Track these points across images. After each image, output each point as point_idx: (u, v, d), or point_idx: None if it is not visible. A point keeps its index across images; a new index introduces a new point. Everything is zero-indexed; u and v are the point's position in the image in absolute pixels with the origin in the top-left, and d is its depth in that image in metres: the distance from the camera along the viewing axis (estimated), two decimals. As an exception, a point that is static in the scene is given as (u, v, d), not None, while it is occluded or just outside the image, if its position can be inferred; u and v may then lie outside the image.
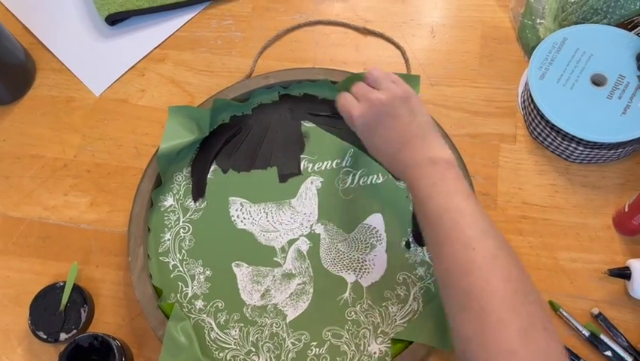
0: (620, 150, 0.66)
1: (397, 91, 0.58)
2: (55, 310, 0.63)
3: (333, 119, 0.72)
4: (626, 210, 0.63)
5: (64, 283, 0.64)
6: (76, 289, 0.64)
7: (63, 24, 0.82)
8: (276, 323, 0.63)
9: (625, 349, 0.60)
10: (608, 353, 0.60)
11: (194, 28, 0.81)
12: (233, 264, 0.66)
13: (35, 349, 0.64)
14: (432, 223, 0.52)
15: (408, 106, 0.58)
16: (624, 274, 0.61)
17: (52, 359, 0.63)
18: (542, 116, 0.67)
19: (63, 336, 0.62)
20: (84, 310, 0.64)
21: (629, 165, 0.69)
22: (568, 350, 0.60)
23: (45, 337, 0.62)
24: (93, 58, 0.80)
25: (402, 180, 0.59)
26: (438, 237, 0.52)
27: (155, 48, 0.80)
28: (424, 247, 0.65)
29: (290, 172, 0.70)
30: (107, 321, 0.65)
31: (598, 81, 0.68)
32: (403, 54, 0.77)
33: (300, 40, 0.79)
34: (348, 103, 0.60)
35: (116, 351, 0.59)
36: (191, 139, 0.70)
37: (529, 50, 0.75)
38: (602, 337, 0.60)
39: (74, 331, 0.63)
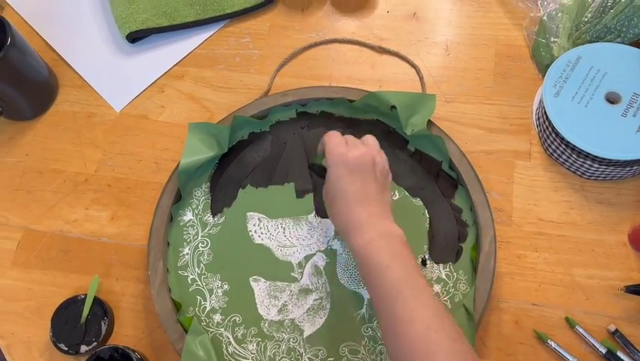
0: (635, 167, 0.67)
1: (382, 161, 0.61)
2: (76, 323, 0.64)
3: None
4: (642, 227, 0.63)
5: (85, 295, 0.65)
6: (97, 301, 0.65)
7: (85, 41, 0.84)
8: (293, 338, 0.64)
9: (642, 366, 0.60)
10: (626, 370, 0.60)
11: (212, 46, 0.82)
12: (250, 279, 0.67)
13: (56, 361, 0.65)
14: (388, 298, 0.52)
15: (384, 178, 0.60)
16: (641, 291, 0.61)
17: (73, 372, 0.64)
18: (557, 134, 0.68)
19: (84, 348, 0.63)
20: (104, 323, 0.65)
21: (644, 183, 0.69)
22: (585, 367, 0.60)
23: (66, 349, 0.63)
24: (114, 74, 0.82)
25: (344, 237, 0.58)
26: (396, 312, 0.51)
27: (175, 65, 0.81)
28: (440, 265, 0.66)
29: (307, 188, 0.71)
30: (127, 334, 0.66)
31: (612, 99, 0.69)
32: (418, 72, 0.78)
33: (317, 58, 0.81)
34: (337, 139, 0.61)
35: (136, 364, 0.60)
36: (210, 155, 0.71)
37: (543, 68, 0.76)
38: (619, 354, 0.60)
39: (95, 343, 0.64)
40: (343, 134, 0.72)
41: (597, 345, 0.61)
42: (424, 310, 0.51)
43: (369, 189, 0.58)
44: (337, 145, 0.60)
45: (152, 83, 0.80)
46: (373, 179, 0.59)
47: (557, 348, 0.61)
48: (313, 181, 0.71)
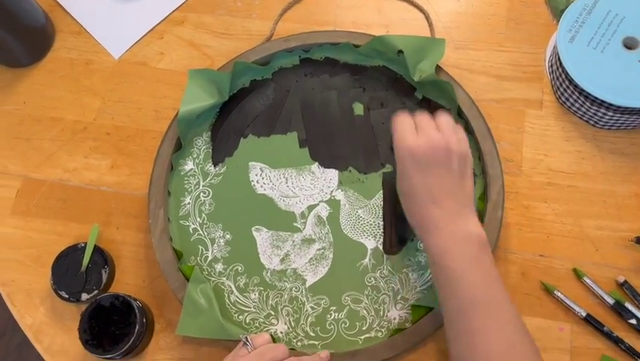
0: (651, 116, 0.64)
1: (460, 146, 0.53)
2: (76, 271, 0.64)
3: (353, 88, 0.71)
4: (656, 177, 0.61)
5: (86, 244, 0.64)
6: (97, 250, 0.65)
7: (81, -14, 0.81)
8: (296, 288, 0.63)
9: (650, 318, 0.59)
10: (633, 320, 0.59)
11: (213, -9, 0.79)
12: (253, 228, 0.66)
13: (58, 308, 0.65)
14: (463, 309, 0.49)
15: (461, 166, 0.53)
16: (652, 242, 0.59)
17: (74, 318, 0.63)
18: (571, 81, 0.65)
19: (84, 296, 0.63)
20: (105, 272, 0.64)
21: (659, 132, 0.67)
22: (591, 317, 0.59)
23: (67, 296, 0.63)
24: (112, 21, 0.79)
25: (421, 238, 0.54)
26: (469, 325, 0.49)
27: (174, 10, 0.79)
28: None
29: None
30: (128, 282, 0.66)
31: (630, 44, 0.66)
32: (427, 17, 0.75)
33: (321, 2, 0.77)
34: (405, 125, 0.54)
35: (137, 311, 0.59)
36: (211, 103, 0.69)
37: (558, 14, 0.72)
38: (627, 305, 0.59)
39: (96, 291, 0.63)
40: (351, 82, 0.70)
41: (605, 296, 0.60)
42: (501, 327, 0.48)
43: (444, 184, 0.53)
44: (404, 133, 0.53)
45: (151, 29, 0.78)
46: (448, 171, 0.53)
47: (564, 299, 0.60)
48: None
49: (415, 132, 0.54)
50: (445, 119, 0.55)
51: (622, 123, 0.66)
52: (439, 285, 0.52)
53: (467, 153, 0.55)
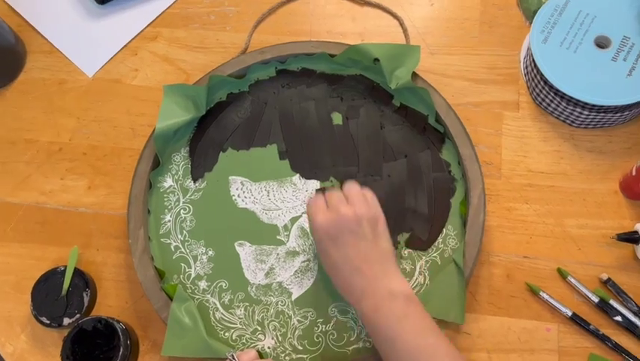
0: (626, 113, 0.65)
1: (366, 212, 0.56)
2: (57, 295, 0.62)
3: (331, 97, 0.71)
4: (634, 173, 0.61)
5: (65, 267, 0.63)
6: (78, 273, 0.63)
7: (51, 4, 0.80)
8: (282, 301, 0.63)
9: (635, 313, 0.59)
10: (618, 318, 0.59)
11: (186, 5, 0.79)
12: (236, 243, 0.65)
13: (39, 334, 0.63)
14: None
15: (374, 229, 0.56)
16: (632, 238, 0.60)
17: (56, 344, 0.62)
18: (546, 82, 0.66)
19: (66, 321, 0.62)
20: (86, 294, 0.63)
21: (635, 128, 0.67)
22: (577, 316, 0.59)
23: (48, 322, 0.62)
24: (84, 38, 0.78)
25: (352, 306, 0.56)
26: None
27: (147, 26, 0.78)
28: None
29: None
30: (111, 304, 0.64)
31: (602, 43, 0.66)
32: (401, 24, 0.75)
33: (296, 12, 0.77)
34: (316, 206, 0.57)
35: (120, 334, 0.58)
36: (187, 118, 0.68)
37: (530, 15, 0.73)
38: (612, 302, 0.60)
39: (78, 315, 0.62)
40: (328, 92, 0.70)
41: (589, 294, 0.60)
42: None
43: (359, 251, 0.55)
44: (316, 214, 0.56)
45: (124, 45, 0.77)
46: (361, 238, 0.55)
47: (549, 299, 0.60)
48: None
49: (326, 210, 0.56)
50: (353, 189, 0.57)
51: (598, 122, 0.66)
52: (376, 342, 0.54)
53: (377, 214, 0.57)
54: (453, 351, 0.51)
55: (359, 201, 0.56)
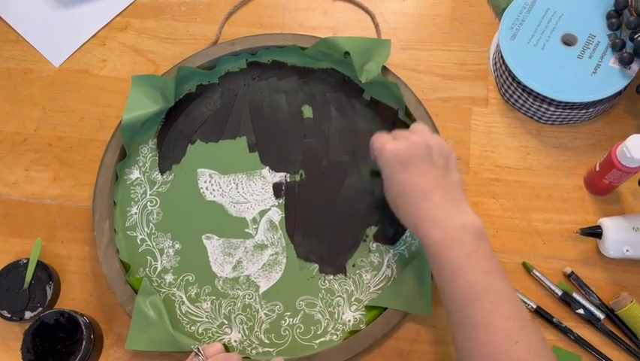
0: (591, 110, 0.66)
1: (437, 142, 0.55)
2: (19, 288, 0.61)
3: (302, 90, 0.70)
4: (597, 169, 0.62)
5: (28, 260, 0.62)
6: (41, 265, 0.62)
7: (18, -7, 0.78)
8: (249, 295, 0.62)
9: (597, 306, 0.60)
10: (581, 310, 0.60)
11: (156, -5, 0.78)
12: (203, 236, 0.64)
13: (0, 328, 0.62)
14: (464, 302, 0.49)
15: (445, 160, 0.55)
16: (596, 232, 0.61)
17: (18, 338, 0.60)
18: (514, 78, 0.66)
19: (28, 314, 0.60)
20: (49, 288, 0.62)
21: (599, 125, 0.68)
22: (541, 309, 0.60)
23: (9, 315, 0.60)
24: (51, 27, 0.76)
25: (417, 235, 0.54)
26: (471, 319, 0.48)
27: (117, 16, 0.77)
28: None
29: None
30: (75, 298, 0.63)
31: (568, 41, 0.67)
32: (373, 18, 0.75)
33: (267, 5, 0.77)
34: (384, 137, 0.57)
35: (83, 327, 0.57)
36: (155, 109, 0.67)
37: (500, 12, 0.74)
38: (575, 295, 0.61)
39: (40, 309, 0.61)
40: (299, 85, 0.70)
41: (553, 288, 0.61)
42: (504, 320, 0.47)
43: (429, 178, 0.54)
44: (385, 143, 0.56)
45: (93, 35, 0.76)
46: (431, 165, 0.54)
47: (514, 293, 0.61)
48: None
49: (394, 140, 0.56)
50: (419, 125, 0.58)
51: (564, 118, 0.67)
52: (439, 276, 0.52)
53: (448, 148, 0.56)
54: (516, 298, 0.50)
55: (428, 134, 0.56)
